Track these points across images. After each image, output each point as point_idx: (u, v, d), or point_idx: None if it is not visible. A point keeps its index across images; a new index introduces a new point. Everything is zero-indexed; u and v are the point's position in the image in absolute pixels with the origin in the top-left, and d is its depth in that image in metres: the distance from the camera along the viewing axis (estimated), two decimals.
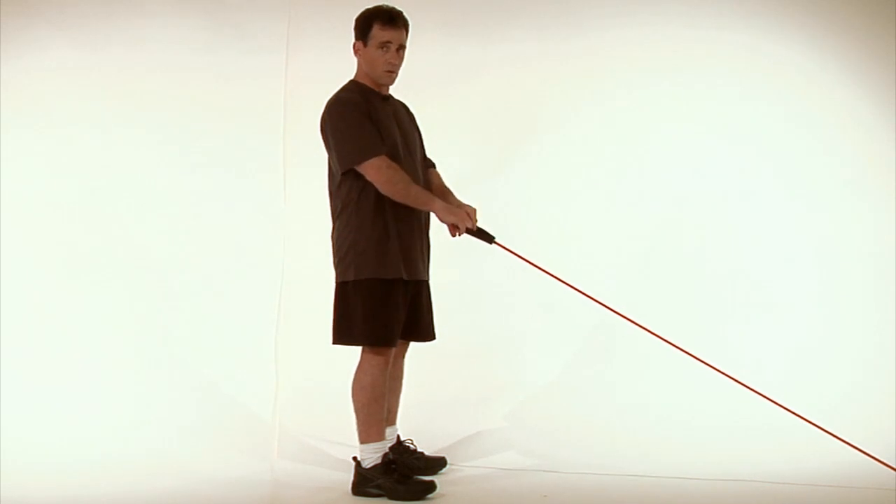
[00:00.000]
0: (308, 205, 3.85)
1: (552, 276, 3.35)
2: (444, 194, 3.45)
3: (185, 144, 4.48)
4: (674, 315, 4.23)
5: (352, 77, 3.41)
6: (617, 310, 3.35)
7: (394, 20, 3.28)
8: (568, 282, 3.36)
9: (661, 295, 4.37)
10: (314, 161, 4.38)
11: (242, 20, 4.52)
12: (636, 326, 3.33)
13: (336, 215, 3.31)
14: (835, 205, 4.40)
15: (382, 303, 3.25)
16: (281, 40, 4.46)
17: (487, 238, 3.33)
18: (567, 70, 4.53)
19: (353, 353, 3.32)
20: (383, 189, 3.21)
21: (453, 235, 3.33)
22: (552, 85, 4.54)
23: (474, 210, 3.34)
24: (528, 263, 3.33)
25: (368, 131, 3.21)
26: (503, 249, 3.32)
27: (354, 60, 4.14)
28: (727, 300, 4.37)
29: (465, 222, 3.28)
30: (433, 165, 3.57)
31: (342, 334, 3.30)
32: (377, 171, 3.19)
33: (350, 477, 3.31)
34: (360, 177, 3.23)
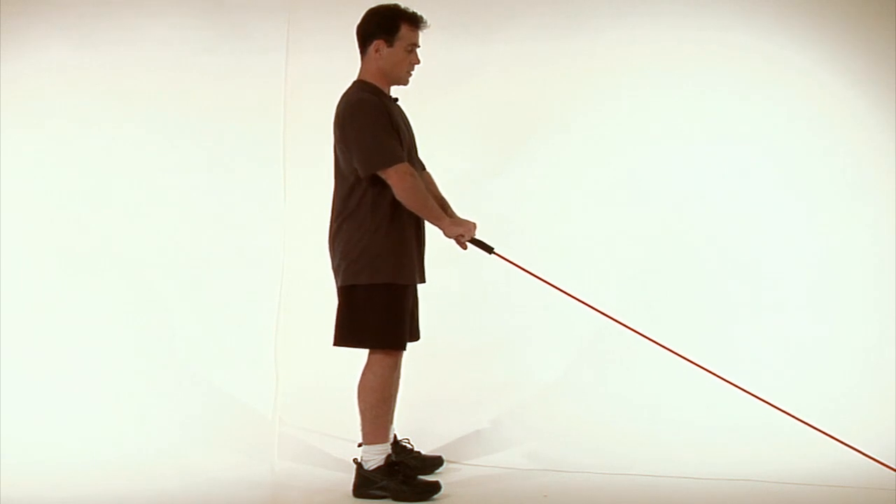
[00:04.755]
0: (308, 205, 3.85)
1: (551, 285, 3.36)
2: (445, 206, 3.47)
3: (185, 144, 4.48)
4: (674, 314, 4.24)
5: (358, 76, 3.36)
6: (615, 316, 3.36)
7: (421, 22, 3.28)
8: (566, 290, 3.36)
9: (662, 294, 4.37)
10: (314, 161, 4.39)
11: (242, 20, 4.52)
12: (636, 333, 3.33)
13: (345, 217, 3.27)
14: (835, 205, 4.39)
15: (397, 307, 3.25)
16: (281, 40, 4.46)
17: (487, 249, 3.35)
18: (567, 70, 4.52)
19: (354, 353, 3.31)
20: (403, 196, 3.20)
21: (463, 248, 3.35)
22: (552, 86, 4.53)
23: (475, 224, 3.35)
24: (528, 274, 3.34)
25: (392, 137, 3.21)
26: (503, 260, 3.34)
27: (354, 59, 4.13)
28: (727, 300, 4.36)
29: (470, 232, 3.31)
30: (424, 167, 3.56)
31: (349, 337, 3.28)
32: (401, 179, 3.17)
33: (351, 477, 3.31)
34: (378, 181, 3.20)
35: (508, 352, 4.36)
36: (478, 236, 3.35)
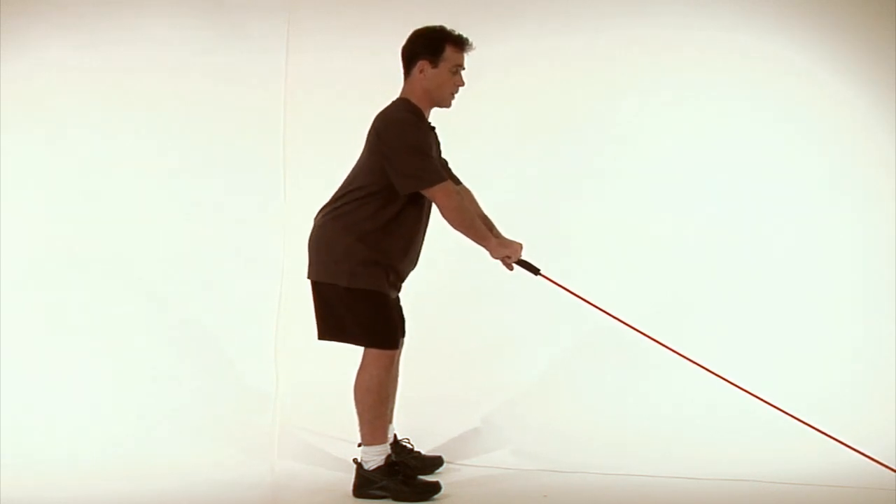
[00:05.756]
0: (308, 205, 3.84)
1: (598, 308, 3.34)
2: (490, 226, 3.45)
3: (185, 144, 4.49)
4: (673, 313, 4.24)
5: (400, 94, 3.33)
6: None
7: (466, 44, 3.27)
8: (616, 315, 3.34)
9: (661, 293, 4.37)
10: (314, 161, 4.40)
11: (242, 20, 4.52)
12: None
13: (339, 214, 3.24)
14: (835, 204, 4.40)
15: (383, 308, 3.25)
16: (281, 40, 4.47)
17: (533, 270, 3.34)
18: (567, 71, 4.52)
19: (353, 353, 3.31)
20: (450, 215, 3.19)
21: (510, 269, 3.33)
22: (552, 86, 4.54)
23: (521, 245, 3.34)
24: (575, 297, 3.32)
25: (433, 158, 3.22)
26: (549, 282, 3.32)
27: (354, 59, 4.14)
28: (726, 299, 4.37)
29: (517, 253, 3.30)
30: (460, 182, 3.53)
31: (336, 333, 3.28)
32: (448, 197, 3.17)
33: (351, 477, 3.31)
34: (389, 196, 3.19)
35: (508, 352, 4.36)
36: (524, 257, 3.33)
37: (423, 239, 3.37)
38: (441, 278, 4.13)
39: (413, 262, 3.38)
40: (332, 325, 3.28)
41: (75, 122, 4.43)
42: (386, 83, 4.43)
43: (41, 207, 4.38)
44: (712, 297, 4.36)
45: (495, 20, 4.54)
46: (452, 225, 3.22)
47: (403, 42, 3.32)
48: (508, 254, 3.29)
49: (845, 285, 4.34)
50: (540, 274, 3.34)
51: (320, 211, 3.34)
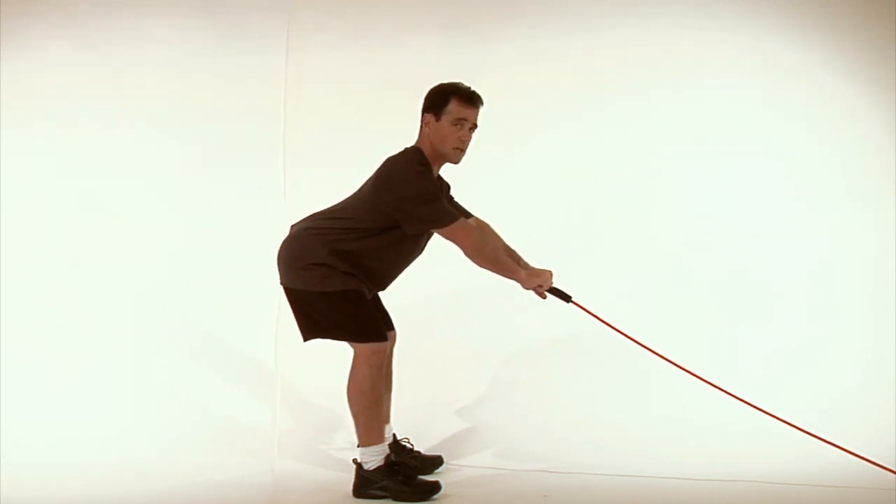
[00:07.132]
0: (308, 205, 3.85)
1: (626, 336, 3.34)
2: (517, 258, 3.45)
3: (185, 144, 4.49)
4: (672, 315, 4.24)
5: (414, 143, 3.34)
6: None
7: (472, 99, 3.27)
8: (643, 343, 3.34)
9: (659, 295, 4.36)
10: (314, 161, 4.40)
11: (242, 20, 4.53)
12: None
13: (327, 229, 3.24)
14: (834, 205, 4.39)
15: (360, 304, 3.25)
16: (281, 40, 4.47)
17: (565, 297, 3.34)
18: (567, 71, 4.52)
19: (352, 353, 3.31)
20: (473, 251, 3.20)
21: (543, 297, 3.35)
22: (552, 86, 4.53)
23: (551, 273, 3.34)
24: (605, 325, 3.32)
25: (443, 200, 3.23)
26: (580, 309, 3.32)
27: (354, 59, 4.13)
28: (726, 300, 4.36)
29: (548, 282, 3.31)
30: (471, 216, 3.53)
31: (319, 331, 3.27)
32: (468, 236, 3.18)
33: (351, 477, 3.31)
34: (376, 233, 3.20)
35: (508, 352, 4.36)
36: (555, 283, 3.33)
37: (405, 267, 3.37)
38: (440, 277, 4.12)
39: (388, 283, 3.39)
40: (313, 327, 3.29)
41: (75, 121, 4.44)
42: (385, 83, 4.46)
43: (41, 207, 4.39)
44: (710, 298, 4.35)
45: (495, 20, 4.55)
46: (476, 262, 3.22)
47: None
48: (540, 283, 3.30)
49: (845, 287, 4.32)
50: (571, 301, 3.34)
51: (300, 221, 3.35)
